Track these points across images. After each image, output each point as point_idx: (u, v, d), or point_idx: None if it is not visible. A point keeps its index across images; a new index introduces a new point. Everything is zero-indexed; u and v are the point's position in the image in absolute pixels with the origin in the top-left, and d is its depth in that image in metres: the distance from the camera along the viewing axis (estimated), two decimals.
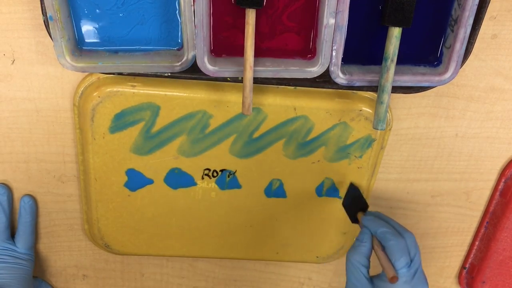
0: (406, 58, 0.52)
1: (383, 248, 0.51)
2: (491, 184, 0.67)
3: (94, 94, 0.52)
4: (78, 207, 0.63)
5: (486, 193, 0.67)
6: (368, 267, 0.52)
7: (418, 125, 0.61)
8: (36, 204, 0.62)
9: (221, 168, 0.58)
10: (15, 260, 0.61)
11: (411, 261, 0.50)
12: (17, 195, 0.61)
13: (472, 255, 0.72)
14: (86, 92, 0.53)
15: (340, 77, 0.49)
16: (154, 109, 0.53)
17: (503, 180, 0.66)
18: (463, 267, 0.74)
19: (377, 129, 0.51)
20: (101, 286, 0.71)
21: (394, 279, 0.48)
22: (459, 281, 0.75)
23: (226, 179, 0.59)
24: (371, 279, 0.52)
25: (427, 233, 0.70)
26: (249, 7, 0.46)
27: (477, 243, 0.71)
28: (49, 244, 0.66)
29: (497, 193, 0.67)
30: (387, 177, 0.64)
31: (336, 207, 0.62)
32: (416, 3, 0.46)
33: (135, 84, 0.52)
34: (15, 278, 0.60)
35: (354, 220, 0.58)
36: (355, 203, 0.59)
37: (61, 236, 0.66)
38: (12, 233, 0.62)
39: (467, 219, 0.69)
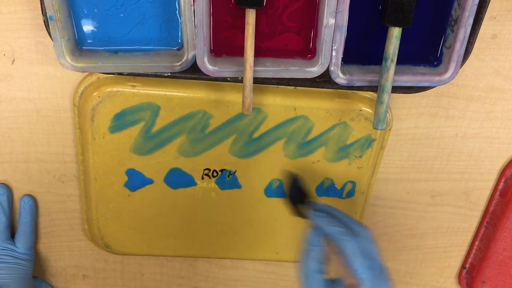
0: (406, 58, 0.52)
1: (338, 250, 0.45)
2: (491, 184, 0.67)
3: (94, 94, 0.52)
4: (78, 207, 0.63)
5: (486, 193, 0.67)
6: (324, 272, 0.47)
7: (418, 125, 0.61)
8: (36, 204, 0.62)
9: (221, 168, 0.58)
10: (15, 260, 0.61)
11: (372, 260, 0.45)
12: (17, 195, 0.61)
13: (472, 255, 0.72)
14: (86, 92, 0.53)
15: (340, 77, 0.49)
16: (154, 109, 0.53)
17: (503, 180, 0.66)
18: (463, 267, 0.74)
19: (377, 129, 0.51)
20: (101, 286, 0.71)
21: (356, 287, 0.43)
22: (459, 281, 0.75)
23: (226, 179, 0.59)
24: (332, 284, 0.46)
25: (427, 233, 0.70)
26: (249, 7, 0.46)
27: (477, 243, 0.71)
28: (49, 244, 0.66)
29: (497, 193, 0.67)
30: (387, 177, 0.64)
31: (336, 207, 0.62)
32: (416, 3, 0.46)
33: (135, 84, 0.52)
34: (15, 278, 0.60)
35: (297, 213, 0.52)
36: (297, 194, 0.53)
37: (61, 236, 0.66)
38: (12, 233, 0.62)
39: (467, 219, 0.69)
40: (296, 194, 0.54)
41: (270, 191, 0.61)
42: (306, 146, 0.57)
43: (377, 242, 0.47)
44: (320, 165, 0.59)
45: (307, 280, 0.46)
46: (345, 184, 0.61)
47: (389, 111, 0.57)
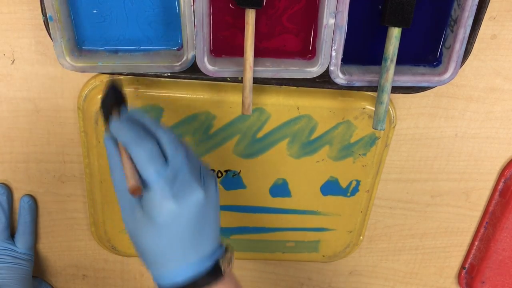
0: (406, 58, 0.52)
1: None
2: (490, 184, 0.67)
3: (98, 97, 0.52)
4: (78, 207, 0.63)
5: (486, 193, 0.67)
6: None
7: (418, 125, 0.61)
8: (36, 204, 0.62)
9: (225, 169, 0.58)
10: (15, 260, 0.61)
11: (166, 161, 0.41)
12: (17, 195, 0.61)
13: (471, 255, 0.72)
14: (90, 95, 0.53)
15: (339, 77, 0.49)
16: (158, 111, 0.53)
17: (502, 180, 0.66)
18: (462, 267, 0.74)
19: (377, 129, 0.51)
20: (101, 286, 0.71)
21: (134, 191, 0.40)
22: (459, 281, 0.75)
23: (231, 180, 0.59)
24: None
25: (427, 233, 0.70)
26: (249, 7, 0.46)
27: (476, 243, 0.71)
28: (49, 244, 0.66)
29: (497, 193, 0.67)
30: (387, 177, 0.64)
31: (342, 206, 0.62)
32: (416, 3, 0.46)
33: (138, 86, 0.52)
34: (15, 278, 0.60)
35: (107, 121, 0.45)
36: (113, 99, 0.45)
37: (61, 236, 0.66)
38: (12, 233, 0.62)
39: (467, 219, 0.69)
40: (110, 99, 0.45)
41: (275, 191, 0.61)
42: (310, 145, 0.57)
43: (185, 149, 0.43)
44: (324, 164, 0.59)
45: (119, 201, 0.43)
46: (350, 183, 0.60)
47: (393, 109, 0.57)
